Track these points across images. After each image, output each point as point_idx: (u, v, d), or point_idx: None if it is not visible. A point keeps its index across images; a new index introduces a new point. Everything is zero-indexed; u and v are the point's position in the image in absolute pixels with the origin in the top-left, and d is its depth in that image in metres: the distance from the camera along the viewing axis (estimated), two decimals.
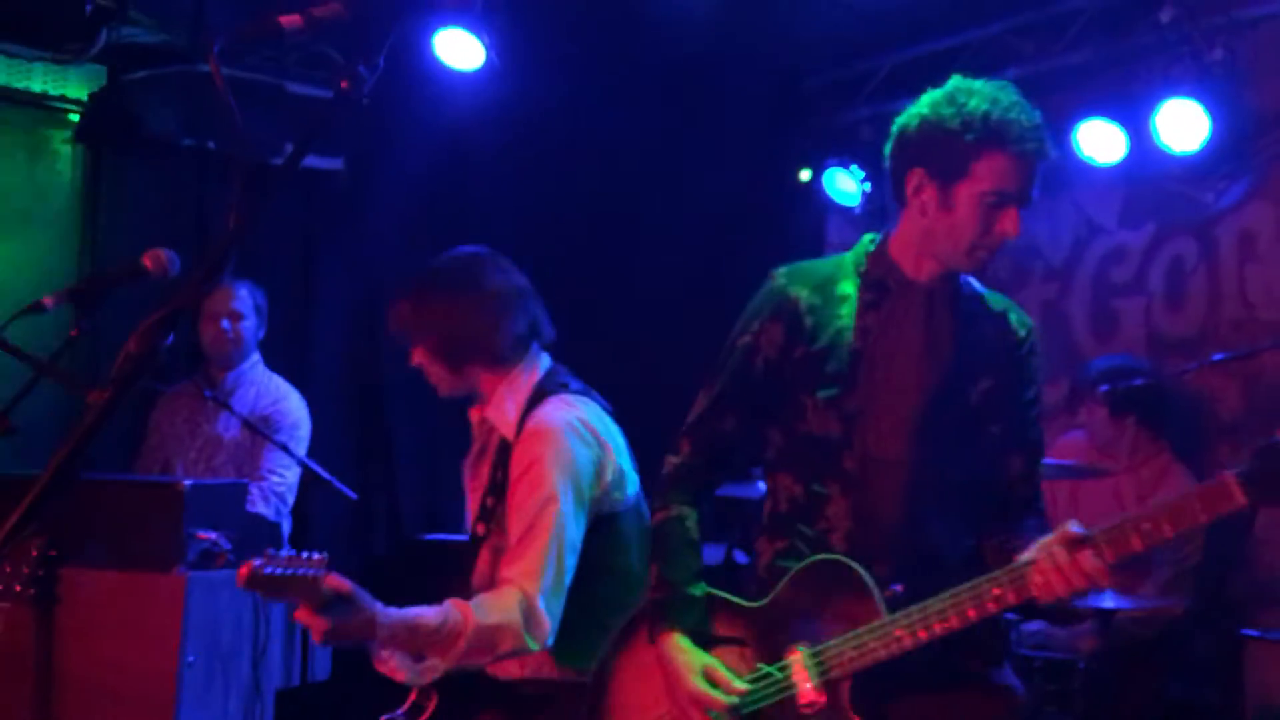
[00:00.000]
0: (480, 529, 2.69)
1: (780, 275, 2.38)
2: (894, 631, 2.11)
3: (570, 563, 2.52)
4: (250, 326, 4.26)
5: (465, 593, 2.58)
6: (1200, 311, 4.70)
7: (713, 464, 2.41)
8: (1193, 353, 4.54)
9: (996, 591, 2.05)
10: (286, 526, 4.17)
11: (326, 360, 5.31)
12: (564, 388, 2.67)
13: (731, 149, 5.69)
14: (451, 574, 2.88)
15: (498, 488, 2.66)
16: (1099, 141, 4.72)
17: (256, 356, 4.32)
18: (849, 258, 2.38)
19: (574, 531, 2.52)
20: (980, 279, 2.37)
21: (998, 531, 2.24)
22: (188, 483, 3.36)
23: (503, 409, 2.66)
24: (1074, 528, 2.02)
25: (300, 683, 3.76)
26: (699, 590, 2.30)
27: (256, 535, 3.74)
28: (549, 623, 2.47)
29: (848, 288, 2.33)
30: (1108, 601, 3.69)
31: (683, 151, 5.60)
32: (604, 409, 2.72)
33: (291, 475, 4.12)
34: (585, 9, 4.93)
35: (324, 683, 3.92)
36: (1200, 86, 4.39)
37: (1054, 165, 5.28)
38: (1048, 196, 5.22)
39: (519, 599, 2.45)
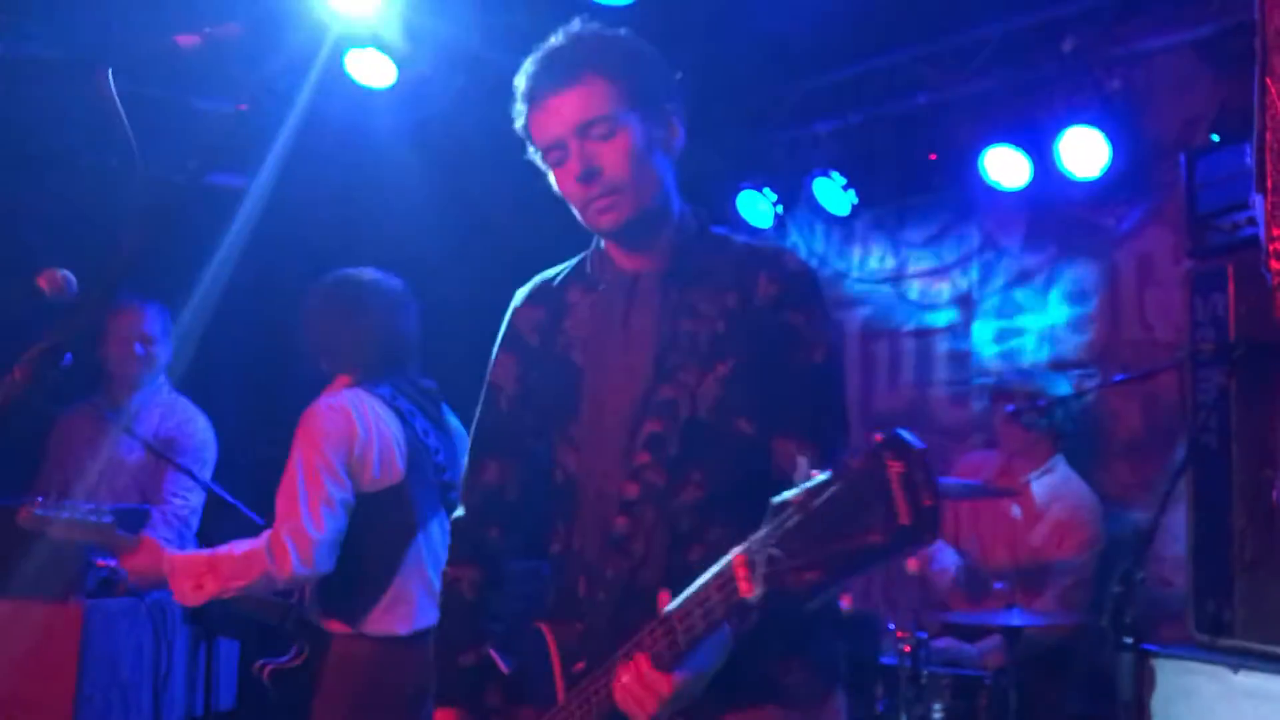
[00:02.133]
0: None
1: (516, 296, 2.13)
2: (566, 715, 1.84)
3: (326, 512, 2.98)
4: (161, 349, 4.17)
5: None
6: (1101, 333, 4.82)
7: (485, 520, 2.09)
8: (1094, 372, 4.65)
9: (601, 694, 1.76)
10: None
11: (231, 380, 5.21)
12: (357, 387, 3.16)
13: None
14: None
15: None
16: (1004, 167, 4.83)
17: (163, 378, 4.23)
18: (581, 258, 2.09)
19: (328, 488, 2.99)
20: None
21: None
22: None
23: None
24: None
25: (204, 713, 3.66)
26: (470, 658, 2.04)
27: None
28: (293, 555, 2.92)
29: (574, 294, 2.04)
30: (1014, 619, 3.76)
31: None
32: (393, 404, 3.16)
33: (195, 498, 4.03)
34: (500, 29, 4.91)
35: (228, 712, 3.83)
36: (1101, 115, 4.52)
37: (962, 190, 5.35)
38: (957, 219, 5.38)
39: (269, 534, 2.98)
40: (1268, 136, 1.12)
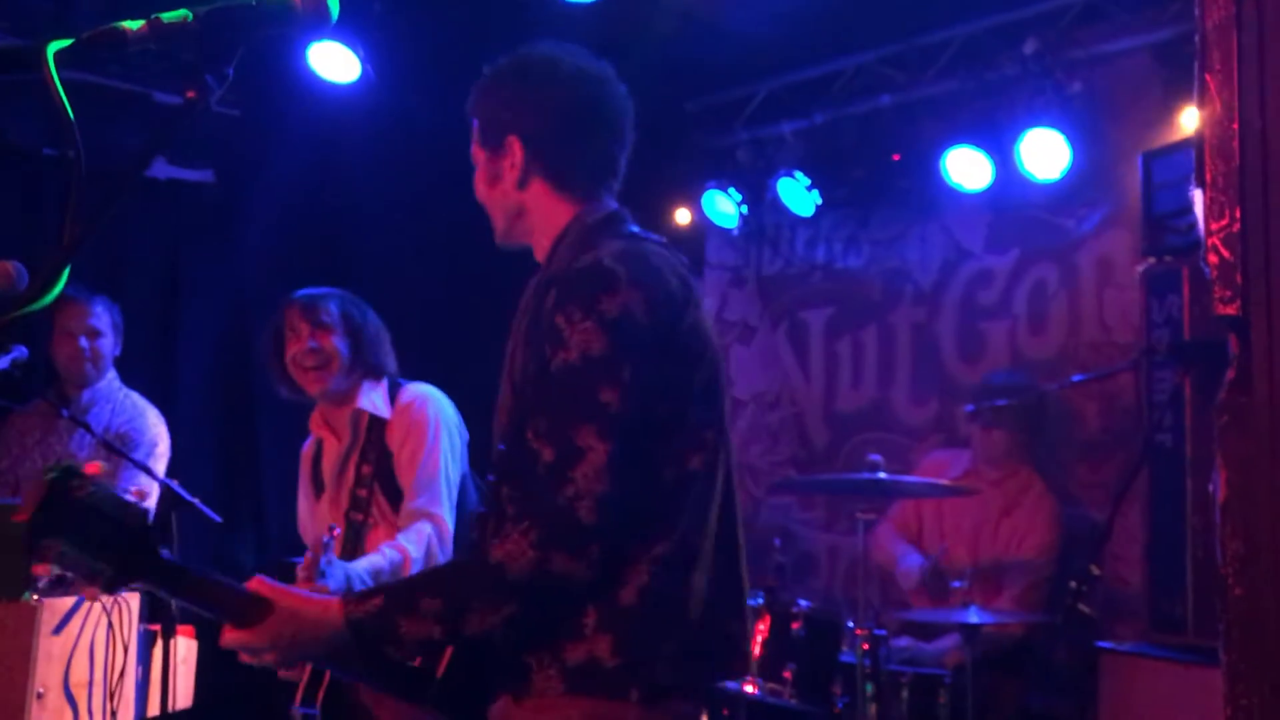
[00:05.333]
0: (358, 517, 3.18)
1: None
2: None
3: (455, 495, 3.13)
4: (108, 343, 4.11)
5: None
6: (1061, 333, 4.87)
7: None
8: (1054, 373, 4.70)
9: None
10: None
11: (193, 377, 5.17)
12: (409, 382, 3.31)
13: None
14: None
15: (370, 477, 3.14)
16: (966, 168, 4.86)
17: (113, 373, 4.18)
18: None
19: (454, 471, 3.15)
20: None
21: None
22: None
23: (372, 399, 3.22)
24: None
25: (161, 713, 3.63)
26: None
27: None
28: (451, 535, 3.08)
29: None
30: (972, 617, 3.78)
31: None
32: None
33: (149, 495, 3.99)
34: (463, 24, 4.90)
35: (186, 712, 3.80)
36: (1062, 117, 4.56)
37: (924, 191, 5.39)
38: (918, 221, 5.41)
39: (429, 525, 3.05)
40: (1207, 132, 1.13)
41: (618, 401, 1.73)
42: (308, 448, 3.44)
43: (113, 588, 1.64)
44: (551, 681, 1.77)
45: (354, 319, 3.22)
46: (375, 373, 3.24)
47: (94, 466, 1.59)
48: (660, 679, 1.76)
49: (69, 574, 1.71)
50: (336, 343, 3.17)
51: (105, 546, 1.62)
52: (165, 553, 1.66)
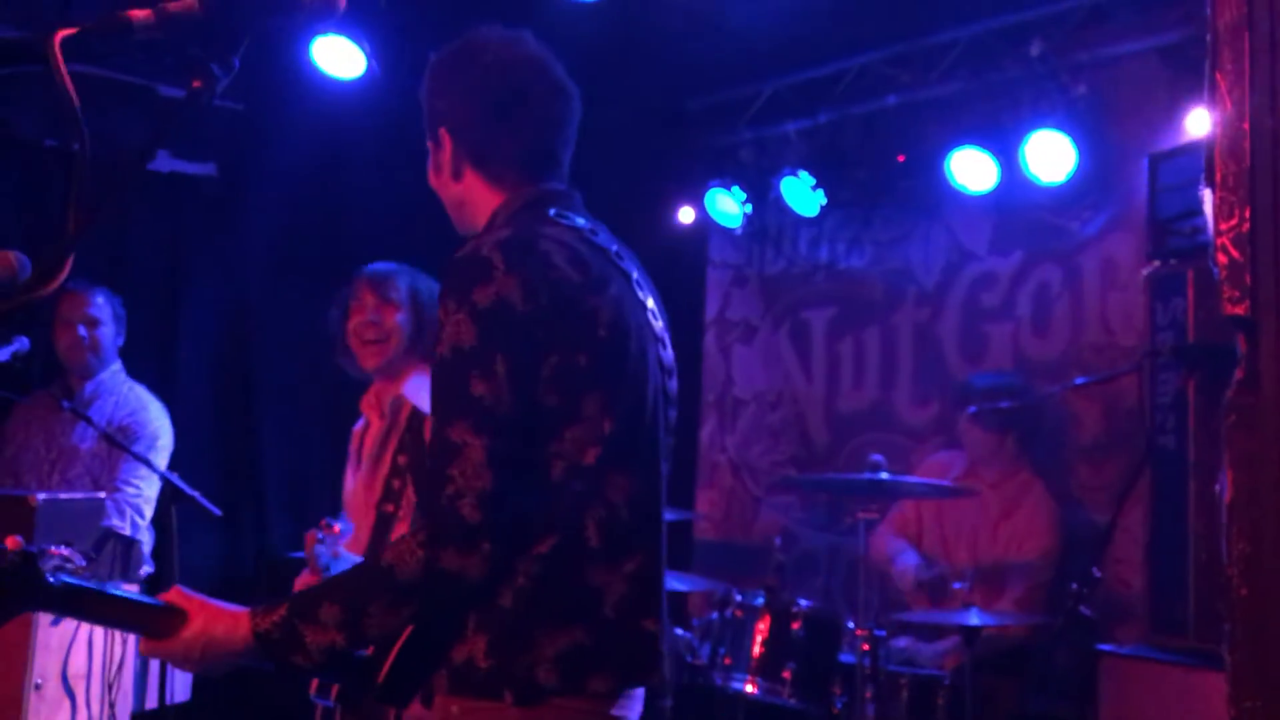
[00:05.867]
0: (389, 508, 3.03)
1: None
2: None
3: None
4: (108, 333, 4.11)
5: None
6: (1064, 336, 4.86)
7: None
8: (1057, 376, 4.69)
9: None
10: (149, 540, 4.03)
11: (194, 371, 5.17)
12: None
13: (614, 168, 5.70)
14: None
15: (405, 468, 3.01)
16: (971, 170, 4.85)
17: (118, 365, 4.18)
18: None
19: None
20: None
21: None
22: (40, 496, 3.24)
23: (421, 393, 3.00)
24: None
25: (158, 706, 3.63)
26: None
27: (113, 551, 3.62)
28: None
29: None
30: (972, 619, 3.78)
31: None
32: None
33: (150, 488, 3.98)
34: (468, 21, 4.89)
35: (183, 705, 3.80)
36: (1067, 119, 4.55)
37: (929, 192, 5.37)
38: (922, 221, 5.41)
39: None
40: (1217, 131, 1.13)
41: (490, 394, 1.68)
42: (359, 426, 3.33)
43: None
44: (440, 681, 1.77)
45: (422, 297, 3.13)
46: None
47: None
48: (542, 681, 1.71)
49: None
50: (399, 319, 3.09)
51: None
52: (53, 579, 1.61)
